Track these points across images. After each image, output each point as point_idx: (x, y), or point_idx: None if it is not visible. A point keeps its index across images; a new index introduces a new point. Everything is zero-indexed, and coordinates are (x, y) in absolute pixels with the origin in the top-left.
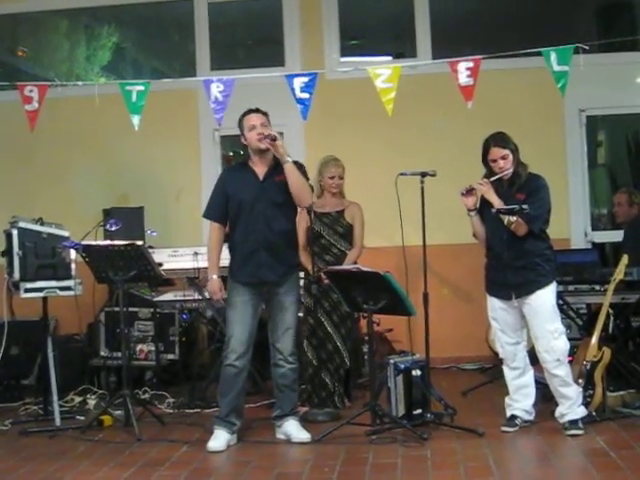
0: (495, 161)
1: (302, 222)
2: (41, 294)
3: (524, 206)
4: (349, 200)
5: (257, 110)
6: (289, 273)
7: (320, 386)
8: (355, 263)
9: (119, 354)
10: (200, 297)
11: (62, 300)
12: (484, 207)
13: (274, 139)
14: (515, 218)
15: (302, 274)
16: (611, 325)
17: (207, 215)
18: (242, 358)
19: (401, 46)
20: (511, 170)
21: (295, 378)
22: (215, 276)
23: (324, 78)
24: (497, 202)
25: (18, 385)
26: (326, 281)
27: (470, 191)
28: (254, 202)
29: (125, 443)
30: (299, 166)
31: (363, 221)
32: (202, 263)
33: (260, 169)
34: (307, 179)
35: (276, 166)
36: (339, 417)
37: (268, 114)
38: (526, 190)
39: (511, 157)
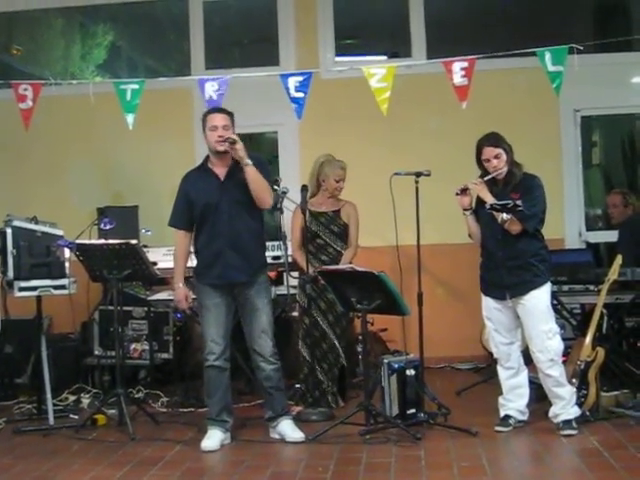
0: (488, 160)
1: (297, 221)
2: (35, 293)
3: (518, 202)
4: (344, 200)
5: (221, 110)
6: (258, 273)
7: (314, 385)
8: (350, 263)
9: (113, 353)
10: (194, 296)
11: (56, 299)
12: (479, 207)
13: (233, 142)
14: (509, 216)
15: (297, 273)
16: (605, 325)
17: (172, 223)
18: (221, 357)
19: (396, 46)
20: (505, 169)
21: (280, 377)
22: (181, 284)
23: (319, 77)
24: (491, 200)
25: (12, 384)
26: (322, 281)
27: (464, 190)
28: (217, 203)
29: (119, 442)
30: (261, 163)
31: (358, 221)
32: (196, 262)
33: (220, 170)
34: (270, 175)
35: (236, 165)
36: (333, 417)
37: (233, 115)
38: (521, 190)
39: (504, 156)
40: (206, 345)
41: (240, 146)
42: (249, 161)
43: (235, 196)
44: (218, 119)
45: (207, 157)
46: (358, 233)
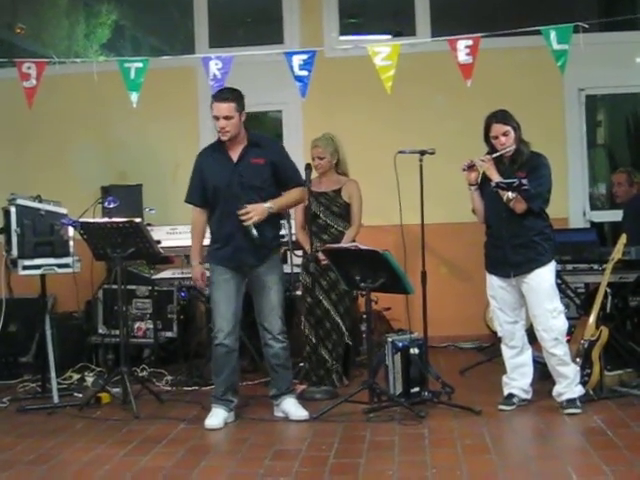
0: (496, 138)
1: None
2: (39, 271)
3: (523, 181)
4: (346, 177)
5: (225, 98)
6: (269, 254)
7: (318, 363)
8: (353, 241)
9: (117, 332)
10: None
11: (60, 277)
12: (485, 183)
13: (255, 238)
14: (514, 194)
15: (300, 252)
16: (609, 304)
17: (188, 199)
18: (230, 336)
19: (400, 25)
20: (513, 147)
21: (287, 356)
22: (196, 262)
23: (323, 56)
24: (497, 179)
25: (16, 362)
26: (324, 262)
27: (471, 167)
28: (228, 185)
29: (123, 420)
30: (283, 151)
31: (361, 198)
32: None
33: (233, 151)
34: (295, 170)
35: (250, 147)
36: (337, 395)
37: (239, 95)
38: (527, 168)
39: (512, 134)
40: (215, 322)
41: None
42: (271, 207)
43: (247, 179)
44: (220, 109)
45: None
46: (360, 211)
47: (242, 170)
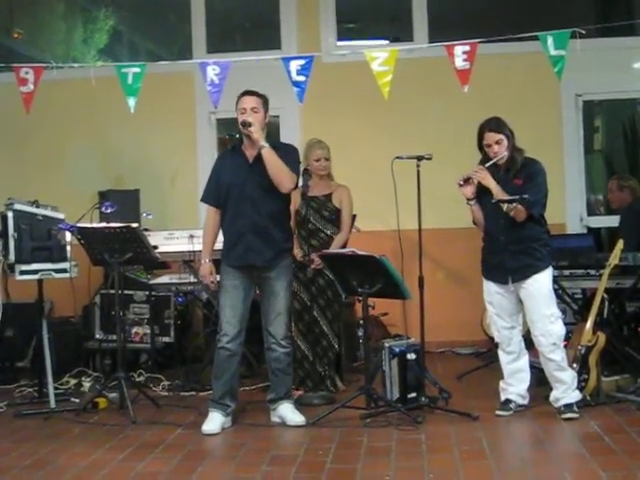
0: (490, 146)
1: (292, 205)
2: (36, 276)
3: (525, 196)
4: (337, 183)
5: (252, 93)
6: (279, 257)
7: (312, 370)
8: (344, 246)
9: (114, 337)
10: (196, 280)
11: (57, 282)
12: (482, 193)
13: (246, 125)
14: (514, 204)
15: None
16: (606, 310)
17: (204, 199)
18: (234, 341)
19: (397, 30)
20: (506, 155)
21: (289, 362)
22: (206, 260)
23: (320, 61)
24: (495, 187)
25: (13, 367)
26: (313, 266)
27: (467, 180)
28: (242, 185)
29: (120, 425)
30: (291, 150)
31: (351, 204)
32: (198, 246)
33: (250, 152)
34: (299, 162)
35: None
36: (334, 400)
37: (266, 97)
38: (523, 175)
39: (506, 142)
40: (221, 326)
41: (254, 129)
42: (265, 144)
43: (261, 179)
44: (246, 101)
45: (241, 139)
46: (350, 217)
47: (256, 170)
